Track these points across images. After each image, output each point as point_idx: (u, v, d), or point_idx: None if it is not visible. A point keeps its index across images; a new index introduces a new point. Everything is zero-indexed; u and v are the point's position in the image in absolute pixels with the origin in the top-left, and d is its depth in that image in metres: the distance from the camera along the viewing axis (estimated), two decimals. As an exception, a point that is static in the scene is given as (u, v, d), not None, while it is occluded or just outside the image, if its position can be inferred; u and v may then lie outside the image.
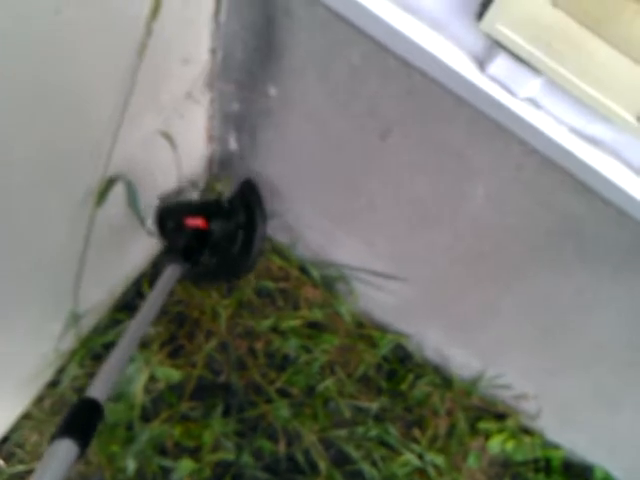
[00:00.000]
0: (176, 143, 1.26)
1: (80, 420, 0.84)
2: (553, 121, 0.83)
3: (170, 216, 1.38)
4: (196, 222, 1.33)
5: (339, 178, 1.28)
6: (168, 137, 1.22)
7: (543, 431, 1.64)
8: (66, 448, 0.78)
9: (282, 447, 1.51)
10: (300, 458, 1.50)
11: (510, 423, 1.63)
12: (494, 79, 0.83)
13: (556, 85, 0.78)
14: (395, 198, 1.20)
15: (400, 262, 1.41)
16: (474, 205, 1.09)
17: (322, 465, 1.50)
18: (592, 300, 1.08)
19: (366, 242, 1.42)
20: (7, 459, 1.39)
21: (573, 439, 1.61)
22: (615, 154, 0.82)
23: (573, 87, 0.76)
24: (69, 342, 1.38)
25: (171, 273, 1.18)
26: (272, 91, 1.18)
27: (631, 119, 0.75)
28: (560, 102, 0.81)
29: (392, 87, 0.99)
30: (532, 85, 0.80)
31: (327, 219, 1.44)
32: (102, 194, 1.09)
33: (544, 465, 1.67)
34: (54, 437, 0.79)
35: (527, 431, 1.65)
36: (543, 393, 1.49)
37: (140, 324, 1.05)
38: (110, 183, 1.10)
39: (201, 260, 1.33)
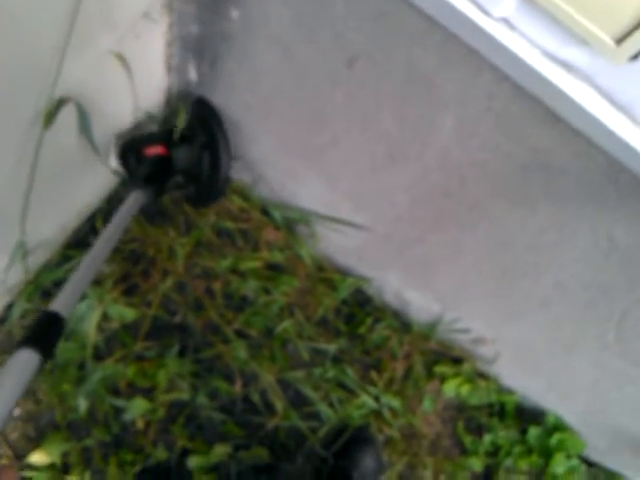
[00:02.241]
0: (132, 68, 1.19)
1: (43, 332, 0.86)
2: (526, 43, 0.80)
3: (130, 149, 1.37)
4: (155, 150, 1.32)
5: (304, 111, 1.23)
6: (122, 59, 1.15)
7: (498, 376, 1.66)
8: (28, 357, 0.81)
9: (238, 388, 1.50)
10: (257, 399, 1.49)
11: (466, 367, 1.64)
12: (468, -3, 0.79)
13: (531, 4, 0.75)
14: (361, 131, 1.16)
15: (362, 203, 1.38)
16: (442, 139, 1.06)
17: (279, 406, 1.49)
18: (556, 238, 1.07)
19: (328, 181, 1.38)
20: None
21: (528, 384, 1.63)
22: (588, 80, 0.79)
23: (549, 4, 0.72)
24: (17, 277, 1.32)
25: (135, 197, 1.20)
26: (234, 14, 1.12)
27: (608, 41, 0.72)
28: (535, 23, 0.77)
29: (360, 10, 0.94)
30: (507, 4, 0.77)
31: (290, 156, 1.39)
32: (50, 115, 1.03)
33: (498, 409, 1.69)
34: (17, 347, 0.81)
35: (482, 376, 1.67)
36: (501, 337, 1.50)
37: (105, 243, 1.07)
38: (59, 104, 1.03)
39: (167, 185, 1.38)
